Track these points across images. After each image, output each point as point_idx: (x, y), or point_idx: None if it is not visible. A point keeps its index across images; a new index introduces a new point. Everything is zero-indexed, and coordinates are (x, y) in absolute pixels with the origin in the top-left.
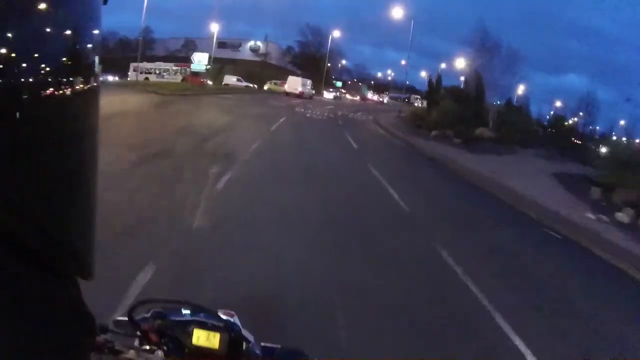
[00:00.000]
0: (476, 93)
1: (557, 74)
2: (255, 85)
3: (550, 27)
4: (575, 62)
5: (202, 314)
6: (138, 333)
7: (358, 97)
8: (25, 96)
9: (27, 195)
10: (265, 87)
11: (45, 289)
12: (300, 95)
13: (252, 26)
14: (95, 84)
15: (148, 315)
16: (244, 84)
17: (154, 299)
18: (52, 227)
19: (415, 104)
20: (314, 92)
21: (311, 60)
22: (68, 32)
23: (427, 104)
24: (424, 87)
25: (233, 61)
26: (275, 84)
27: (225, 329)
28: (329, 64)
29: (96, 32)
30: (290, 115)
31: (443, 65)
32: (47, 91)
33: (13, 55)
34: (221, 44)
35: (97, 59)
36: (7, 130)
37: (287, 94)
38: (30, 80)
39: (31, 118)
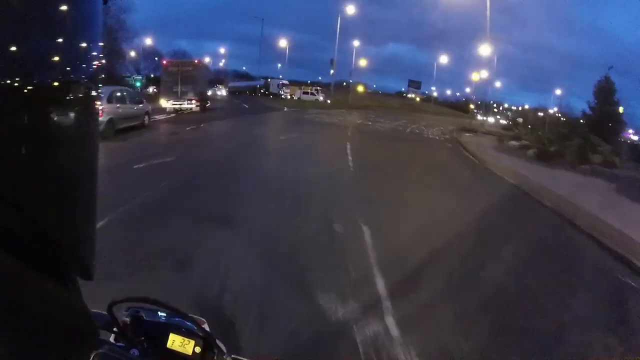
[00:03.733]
0: None
1: None
2: None
3: None
4: None
5: (177, 318)
6: (115, 329)
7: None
8: (26, 99)
9: (28, 197)
10: None
11: (46, 289)
12: None
13: None
14: (95, 87)
15: (126, 312)
16: None
17: (135, 297)
18: (53, 228)
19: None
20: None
21: None
22: (69, 33)
23: None
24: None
25: None
26: None
27: (200, 336)
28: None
29: (96, 32)
30: None
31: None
32: (47, 94)
33: (15, 58)
34: None
35: (98, 60)
36: (9, 133)
37: None
38: (31, 82)
39: (32, 121)
